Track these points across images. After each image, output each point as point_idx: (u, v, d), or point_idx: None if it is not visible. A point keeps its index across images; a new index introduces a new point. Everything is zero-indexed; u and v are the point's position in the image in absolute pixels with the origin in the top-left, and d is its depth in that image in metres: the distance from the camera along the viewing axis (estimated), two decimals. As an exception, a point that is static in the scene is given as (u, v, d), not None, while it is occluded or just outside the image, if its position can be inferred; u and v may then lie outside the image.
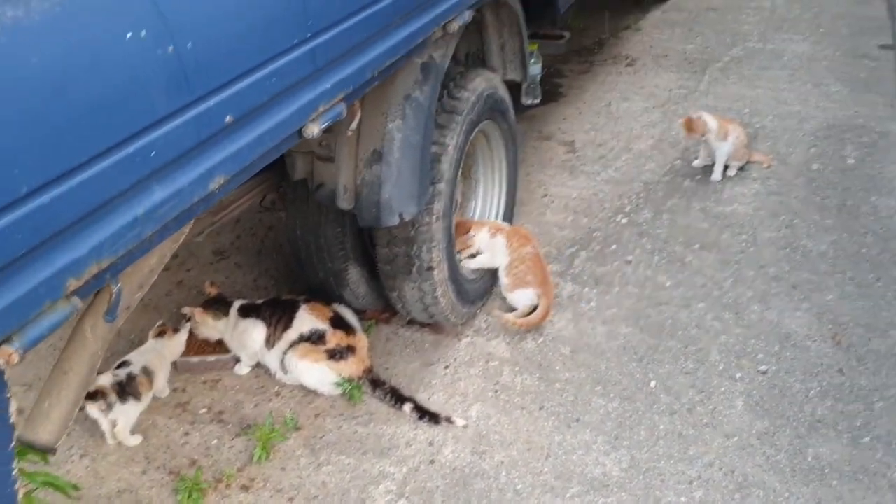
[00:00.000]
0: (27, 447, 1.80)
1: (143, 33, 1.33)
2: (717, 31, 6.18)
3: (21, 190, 1.16)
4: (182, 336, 2.95)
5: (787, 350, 3.06)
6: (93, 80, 1.28)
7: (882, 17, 6.09)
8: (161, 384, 2.86)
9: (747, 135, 4.26)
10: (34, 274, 1.21)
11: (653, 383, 2.94)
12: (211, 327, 3.00)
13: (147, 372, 2.75)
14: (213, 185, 1.55)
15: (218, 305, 3.01)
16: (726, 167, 4.16)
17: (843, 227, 3.76)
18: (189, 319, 3.02)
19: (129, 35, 1.31)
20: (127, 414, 2.68)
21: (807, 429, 2.72)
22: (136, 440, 2.73)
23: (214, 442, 2.76)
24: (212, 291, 3.08)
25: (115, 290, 1.48)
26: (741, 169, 4.22)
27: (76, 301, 1.31)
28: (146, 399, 2.75)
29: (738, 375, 2.95)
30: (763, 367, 2.98)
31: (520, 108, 4.78)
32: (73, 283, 1.28)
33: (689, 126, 4.03)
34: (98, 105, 1.28)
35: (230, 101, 1.55)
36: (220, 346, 3.07)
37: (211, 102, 1.50)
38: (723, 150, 4.09)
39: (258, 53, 1.62)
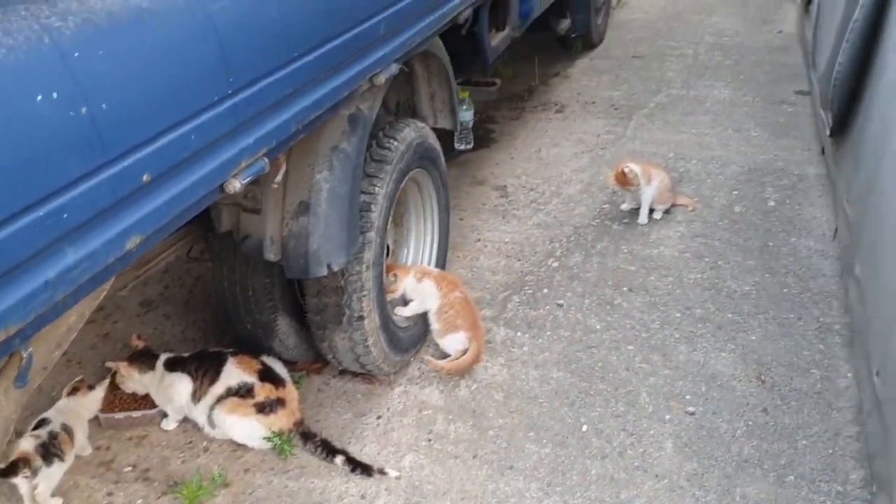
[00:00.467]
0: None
1: (55, 95, 1.32)
2: (642, 78, 6.37)
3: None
4: (98, 393, 2.86)
5: (714, 390, 3.12)
6: (4, 140, 1.25)
7: (798, 64, 6.37)
8: (81, 442, 2.77)
9: (672, 179, 4.38)
10: (-64, 343, 1.17)
11: (584, 427, 2.97)
12: (137, 381, 2.93)
13: (67, 429, 2.66)
14: (130, 244, 1.52)
15: (143, 359, 2.94)
16: (652, 210, 4.27)
17: (765, 267, 3.87)
18: (113, 374, 2.94)
19: (39, 97, 1.29)
20: (51, 477, 2.58)
21: (734, 469, 2.77)
22: (56, 503, 2.63)
23: (139, 502, 2.68)
24: (138, 344, 3.01)
25: (25, 355, 1.44)
26: (667, 212, 4.34)
27: (-18, 369, 1.27)
28: (69, 458, 2.66)
29: (667, 417, 3.00)
30: (691, 409, 3.03)
31: (453, 154, 4.86)
32: (-22, 351, 1.24)
33: (622, 180, 4.13)
34: (6, 167, 1.25)
35: (147, 159, 1.53)
36: (145, 401, 3.00)
37: (127, 162, 1.48)
38: (647, 195, 4.20)
39: (177, 111, 1.61)
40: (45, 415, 2.70)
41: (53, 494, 2.63)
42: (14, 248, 1.27)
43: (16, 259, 1.27)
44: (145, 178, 1.53)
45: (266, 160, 1.97)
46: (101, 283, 1.56)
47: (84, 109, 1.37)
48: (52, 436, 2.60)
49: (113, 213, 1.47)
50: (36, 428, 2.64)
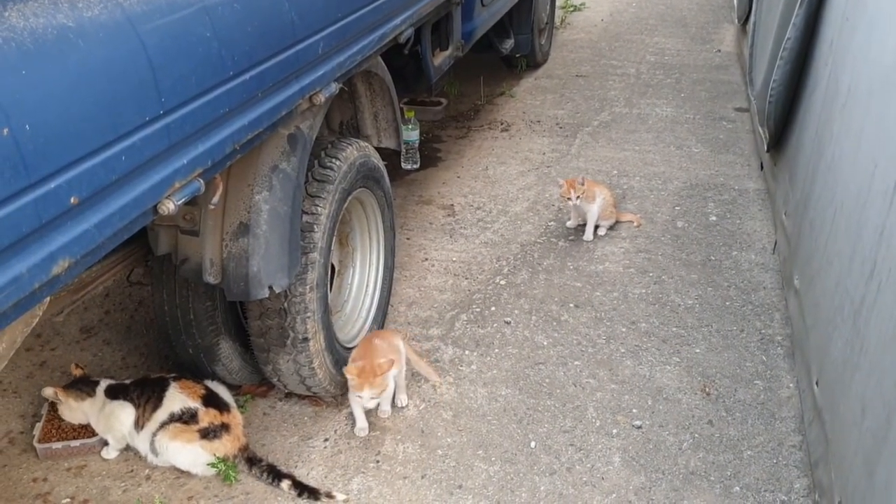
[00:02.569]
0: None
1: (-26, 115, 1.28)
2: (585, 96, 6.46)
3: None
4: None
5: (660, 404, 3.15)
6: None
7: (737, 82, 6.53)
8: None
9: (614, 196, 4.44)
10: None
11: (533, 444, 2.96)
12: (75, 409, 2.85)
13: None
14: (57, 269, 1.48)
15: (82, 386, 2.86)
16: (597, 227, 4.31)
17: (707, 281, 3.94)
18: (52, 404, 2.86)
19: (-43, 118, 1.26)
20: None
21: (681, 481, 2.79)
22: None
23: (78, 535, 2.60)
24: (77, 373, 2.93)
25: (-55, 384, 1.38)
26: (611, 228, 4.39)
27: None
28: None
29: (614, 431, 3.01)
30: (638, 422, 3.05)
31: (399, 173, 4.86)
32: None
33: (572, 186, 4.14)
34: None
35: (75, 181, 1.49)
36: (85, 430, 2.92)
37: (53, 184, 1.44)
38: (593, 212, 4.24)
39: (106, 132, 1.57)
40: None
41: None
42: (-70, 274, 1.22)
43: (-68, 285, 1.23)
44: (73, 200, 1.49)
45: (201, 181, 1.93)
46: (26, 310, 1.51)
47: (6, 130, 1.33)
48: None
49: (38, 237, 1.43)
50: None
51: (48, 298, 1.70)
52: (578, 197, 4.13)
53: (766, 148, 4.33)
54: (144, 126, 1.68)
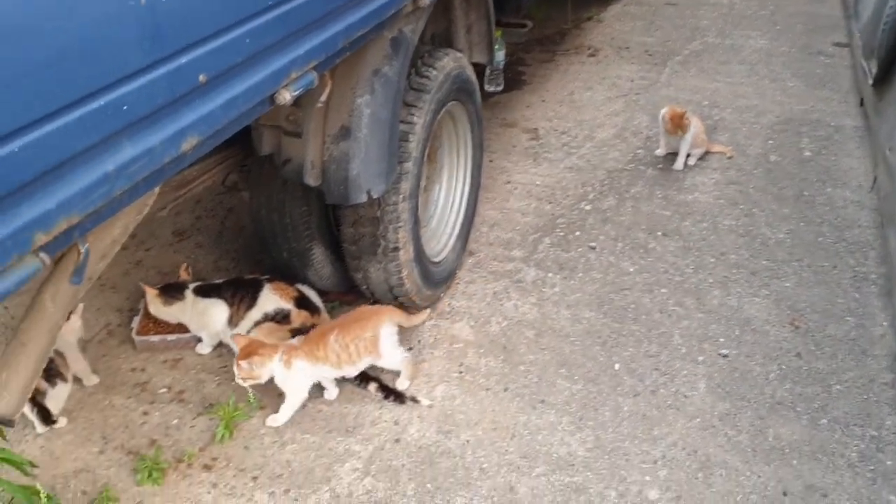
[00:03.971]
0: (-17, 419, 1.74)
1: (116, -18, 1.29)
2: (676, 25, 6.25)
3: (-13, 137, 1.12)
4: (74, 320, 2.73)
5: (747, 334, 3.10)
6: (63, 26, 1.23)
7: (837, 16, 6.23)
8: (79, 366, 2.77)
9: (705, 125, 4.32)
10: (2, 225, 1.17)
11: (617, 366, 2.96)
12: (163, 311, 2.93)
13: (59, 353, 2.66)
14: (186, 145, 1.50)
15: (172, 291, 2.93)
16: (687, 156, 4.21)
17: (799, 216, 3.83)
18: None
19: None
20: (58, 397, 2.60)
21: (767, 410, 2.76)
22: (63, 422, 2.66)
23: (175, 422, 2.70)
24: (184, 276, 3.01)
25: (82, 250, 1.43)
26: (701, 159, 4.28)
27: (44, 256, 1.26)
28: (70, 379, 2.68)
29: (700, 359, 2.98)
30: (724, 351, 3.02)
31: (483, 95, 4.79)
32: (41, 238, 1.23)
33: (677, 122, 4.05)
34: (69, 53, 1.23)
35: (204, 59, 1.51)
36: (181, 326, 3.01)
37: (184, 59, 1.46)
38: (685, 140, 4.14)
39: (233, 12, 1.59)
40: None
41: (87, 412, 2.66)
42: (76, 136, 1.25)
43: (78, 147, 1.26)
44: (201, 78, 1.51)
45: (315, 74, 1.94)
46: (154, 185, 1.55)
47: (143, 0, 1.34)
48: (49, 360, 2.58)
49: (171, 111, 1.45)
50: None
51: (157, 189, 1.74)
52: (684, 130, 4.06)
53: (870, 81, 4.13)
54: (266, 10, 1.68)
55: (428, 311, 3.12)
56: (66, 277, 1.50)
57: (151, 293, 2.91)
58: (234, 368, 2.58)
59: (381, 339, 2.73)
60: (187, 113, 1.50)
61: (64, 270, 1.51)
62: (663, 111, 4.16)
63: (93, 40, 1.27)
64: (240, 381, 2.60)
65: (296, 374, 2.62)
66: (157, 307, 2.92)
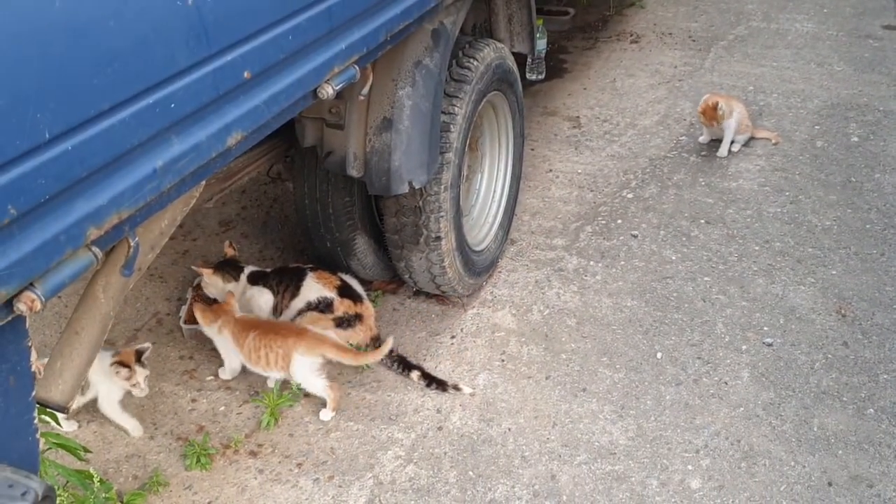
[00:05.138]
0: (40, 405, 1.80)
1: (164, -18, 1.33)
2: (720, 10, 6.16)
3: (44, 136, 1.16)
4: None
5: (793, 323, 3.07)
6: (115, 27, 1.27)
7: (886, -2, 6.08)
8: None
9: (750, 111, 4.26)
10: (56, 221, 1.21)
11: (659, 354, 2.95)
12: (219, 289, 2.99)
13: None
14: (231, 140, 1.54)
15: (229, 269, 3.00)
16: (732, 143, 4.16)
17: (847, 203, 3.76)
18: (196, 286, 3.01)
19: (148, -17, 1.31)
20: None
21: (812, 400, 2.73)
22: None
23: (222, 408, 2.77)
24: (229, 252, 3.06)
25: (133, 243, 1.47)
26: (745, 145, 4.23)
27: (96, 250, 1.31)
28: None
29: (743, 347, 2.96)
30: (768, 340, 2.99)
31: (524, 84, 4.78)
32: (93, 232, 1.28)
33: (711, 115, 4.01)
34: (120, 53, 1.27)
35: (248, 56, 1.54)
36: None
37: (229, 57, 1.49)
38: (729, 127, 4.09)
39: (276, 10, 1.62)
40: None
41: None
42: (126, 133, 1.30)
43: (128, 144, 1.30)
44: (246, 74, 1.54)
45: (356, 68, 1.96)
46: (200, 180, 1.59)
47: (190, 0, 1.38)
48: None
49: (216, 107, 1.49)
50: None
51: (204, 182, 1.78)
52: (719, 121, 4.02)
53: (921, 65, 4.04)
54: (310, 6, 1.71)
55: (387, 347, 2.74)
56: (117, 269, 1.55)
57: (206, 272, 2.96)
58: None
59: (294, 362, 2.64)
60: (232, 109, 1.53)
61: (115, 263, 1.56)
62: (704, 97, 4.12)
63: (141, 40, 1.30)
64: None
65: (223, 342, 2.78)
66: (216, 285, 2.97)
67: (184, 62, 1.39)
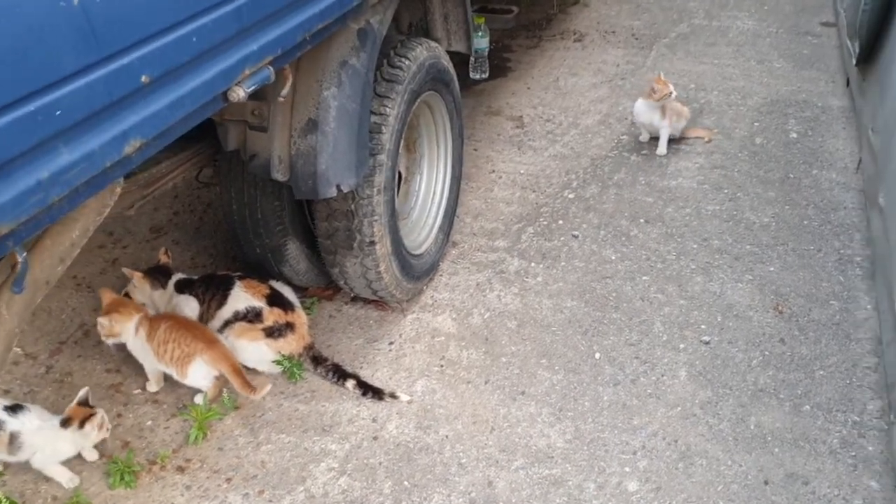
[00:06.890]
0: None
1: (44, -18, 1.25)
2: (663, 7, 6.19)
3: None
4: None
5: (730, 320, 3.07)
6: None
7: (825, -5, 6.16)
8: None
9: (691, 108, 4.28)
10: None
11: (597, 355, 2.93)
12: (146, 296, 2.90)
13: None
14: (128, 148, 1.46)
15: (158, 276, 2.91)
16: (671, 140, 4.16)
17: (785, 199, 3.79)
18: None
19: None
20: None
21: (749, 398, 2.73)
22: None
23: (149, 423, 2.67)
24: (164, 259, 2.98)
25: (20, 258, 1.39)
26: (686, 143, 4.24)
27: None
28: None
29: (681, 346, 2.95)
30: (706, 338, 2.99)
31: (468, 83, 4.74)
32: (-31, 249, 1.20)
33: (660, 86, 4.01)
34: (-6, 57, 1.19)
35: (146, 59, 1.46)
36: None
37: (124, 61, 1.41)
38: (664, 126, 4.09)
39: (177, 10, 1.54)
40: None
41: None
42: (3, 144, 1.21)
43: (6, 154, 1.22)
44: (144, 78, 1.46)
45: (271, 69, 1.89)
46: (98, 189, 1.51)
47: (76, 0, 1.30)
48: None
49: (111, 114, 1.41)
50: None
51: (119, 189, 1.70)
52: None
53: (854, 61, 4.08)
54: (216, 7, 1.64)
55: (267, 388, 2.71)
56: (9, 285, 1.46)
57: (137, 276, 2.87)
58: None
59: (192, 365, 2.61)
60: (129, 115, 1.45)
61: (8, 278, 1.48)
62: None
63: (19, 42, 1.22)
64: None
65: (137, 344, 2.68)
66: (143, 290, 2.89)
67: (70, 67, 1.30)
